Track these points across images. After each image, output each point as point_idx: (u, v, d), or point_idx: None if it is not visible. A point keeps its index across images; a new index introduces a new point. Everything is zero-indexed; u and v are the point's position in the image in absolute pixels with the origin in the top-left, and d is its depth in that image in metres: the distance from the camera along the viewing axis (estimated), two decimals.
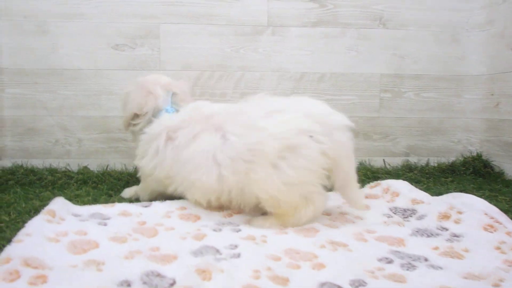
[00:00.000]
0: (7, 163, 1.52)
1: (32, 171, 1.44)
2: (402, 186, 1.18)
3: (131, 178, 1.43)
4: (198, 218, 1.01)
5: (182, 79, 1.55)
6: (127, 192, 1.25)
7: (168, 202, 1.10)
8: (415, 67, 1.64)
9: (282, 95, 1.60)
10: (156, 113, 1.17)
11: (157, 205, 1.08)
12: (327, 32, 1.60)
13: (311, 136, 0.91)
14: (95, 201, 1.17)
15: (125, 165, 1.57)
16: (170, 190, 1.09)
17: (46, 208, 0.93)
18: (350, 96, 1.64)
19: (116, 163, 1.57)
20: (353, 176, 0.98)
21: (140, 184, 1.20)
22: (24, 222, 0.98)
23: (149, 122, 1.15)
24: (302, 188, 0.92)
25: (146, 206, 1.09)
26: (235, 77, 1.59)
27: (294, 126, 0.91)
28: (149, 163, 1.10)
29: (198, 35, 1.56)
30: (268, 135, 0.91)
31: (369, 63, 1.62)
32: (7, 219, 1.02)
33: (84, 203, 1.12)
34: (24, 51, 1.51)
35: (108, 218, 0.96)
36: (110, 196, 1.25)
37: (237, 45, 1.58)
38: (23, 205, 1.14)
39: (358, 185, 1.01)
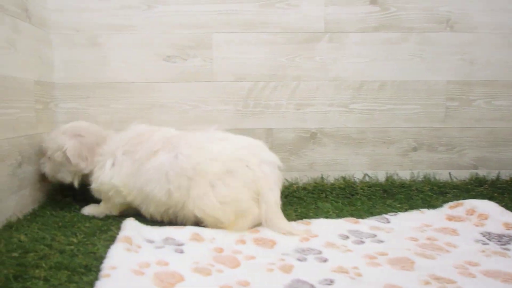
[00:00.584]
0: None
1: None
2: (490, 207, 1.09)
3: None
4: (274, 243, 0.96)
5: (235, 90, 1.51)
6: (88, 209, 1.24)
7: None
8: (485, 73, 1.53)
9: (340, 106, 1.54)
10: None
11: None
12: (388, 38, 1.52)
13: (247, 166, 1.07)
14: None
15: None
16: (128, 200, 1.16)
17: (122, 235, 0.89)
18: (413, 105, 1.55)
19: None
20: (276, 209, 1.08)
21: (105, 204, 1.22)
22: (93, 244, 0.96)
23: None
24: (236, 206, 1.05)
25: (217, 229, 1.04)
26: (290, 87, 1.53)
27: (233, 153, 1.08)
28: (106, 175, 1.17)
29: (252, 44, 1.51)
30: (210, 157, 1.07)
31: (434, 70, 1.53)
32: (75, 240, 0.99)
33: None
34: (75, 64, 1.49)
35: (183, 244, 0.92)
36: None
37: (292, 53, 1.51)
38: (87, 225, 1.12)
39: (284, 218, 1.09)
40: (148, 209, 1.13)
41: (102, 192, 1.20)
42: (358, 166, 1.56)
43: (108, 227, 1.11)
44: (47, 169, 1.27)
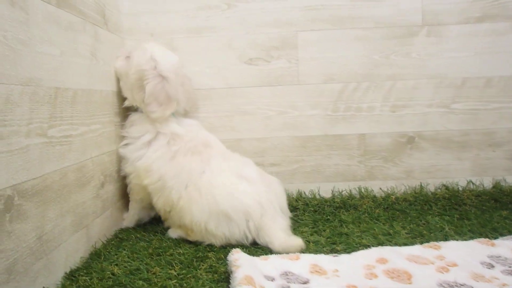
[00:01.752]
0: None
1: None
2: None
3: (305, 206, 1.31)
4: (409, 275, 0.86)
5: (324, 93, 1.41)
6: (174, 232, 1.19)
7: (358, 253, 0.96)
8: None
9: (441, 106, 1.41)
10: None
11: (345, 256, 0.95)
12: (495, 28, 1.38)
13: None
14: None
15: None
16: (145, 183, 1.17)
17: (242, 275, 0.79)
18: None
19: None
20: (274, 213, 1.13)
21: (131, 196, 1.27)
22: (196, 278, 0.89)
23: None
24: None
25: (335, 256, 0.95)
26: (384, 88, 1.41)
27: (240, 205, 1.09)
28: (135, 152, 1.19)
29: (342, 41, 1.40)
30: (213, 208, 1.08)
31: None
32: (174, 273, 0.91)
33: None
34: None
35: (308, 281, 0.84)
36: None
37: (386, 50, 1.40)
38: (180, 251, 1.04)
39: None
40: (158, 201, 1.17)
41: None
42: (461, 173, 1.43)
43: (204, 253, 1.03)
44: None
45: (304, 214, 1.32)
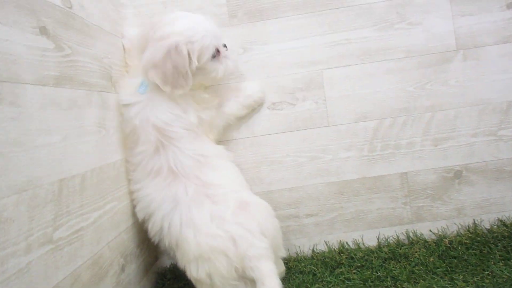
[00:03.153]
0: None
1: None
2: None
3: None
4: None
5: (357, 133, 1.31)
6: None
7: None
8: None
9: (487, 134, 1.30)
10: None
11: None
12: None
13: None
14: None
15: (299, 247, 1.33)
16: None
17: None
18: None
19: (289, 245, 1.33)
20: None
21: None
22: None
23: None
24: None
25: None
26: (423, 121, 1.31)
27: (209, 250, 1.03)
28: None
29: (372, 76, 1.30)
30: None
31: None
32: None
33: None
34: None
35: None
36: None
37: (421, 80, 1.30)
38: None
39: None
40: None
41: None
42: None
43: None
44: None
45: (351, 271, 1.21)
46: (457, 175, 1.32)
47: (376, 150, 1.32)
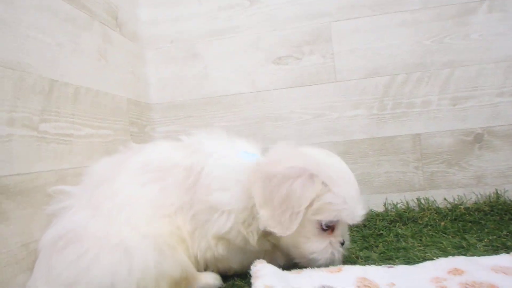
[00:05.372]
0: None
1: None
2: None
3: None
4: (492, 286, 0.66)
5: (367, 90, 1.25)
6: None
7: (422, 264, 0.78)
8: None
9: None
10: None
11: (404, 268, 0.79)
12: None
13: None
14: None
15: None
16: None
17: (262, 285, 0.66)
18: None
19: None
20: None
21: None
22: None
23: None
24: None
25: (390, 267, 0.79)
26: (440, 78, 1.23)
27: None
28: None
29: (384, 28, 1.25)
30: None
31: None
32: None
33: None
34: (173, 81, 1.36)
35: None
36: None
37: (439, 33, 1.23)
38: None
39: None
40: None
41: None
42: None
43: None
44: None
45: (351, 229, 1.15)
46: (478, 139, 1.22)
47: (387, 109, 1.26)
